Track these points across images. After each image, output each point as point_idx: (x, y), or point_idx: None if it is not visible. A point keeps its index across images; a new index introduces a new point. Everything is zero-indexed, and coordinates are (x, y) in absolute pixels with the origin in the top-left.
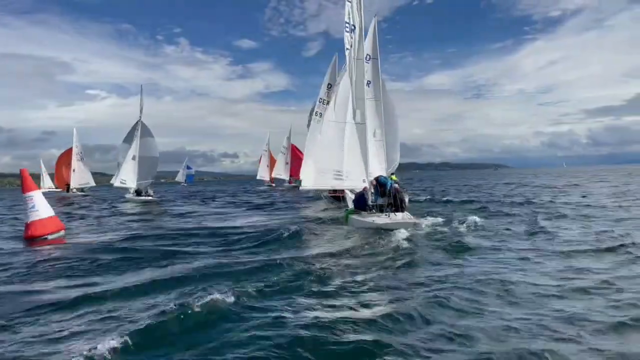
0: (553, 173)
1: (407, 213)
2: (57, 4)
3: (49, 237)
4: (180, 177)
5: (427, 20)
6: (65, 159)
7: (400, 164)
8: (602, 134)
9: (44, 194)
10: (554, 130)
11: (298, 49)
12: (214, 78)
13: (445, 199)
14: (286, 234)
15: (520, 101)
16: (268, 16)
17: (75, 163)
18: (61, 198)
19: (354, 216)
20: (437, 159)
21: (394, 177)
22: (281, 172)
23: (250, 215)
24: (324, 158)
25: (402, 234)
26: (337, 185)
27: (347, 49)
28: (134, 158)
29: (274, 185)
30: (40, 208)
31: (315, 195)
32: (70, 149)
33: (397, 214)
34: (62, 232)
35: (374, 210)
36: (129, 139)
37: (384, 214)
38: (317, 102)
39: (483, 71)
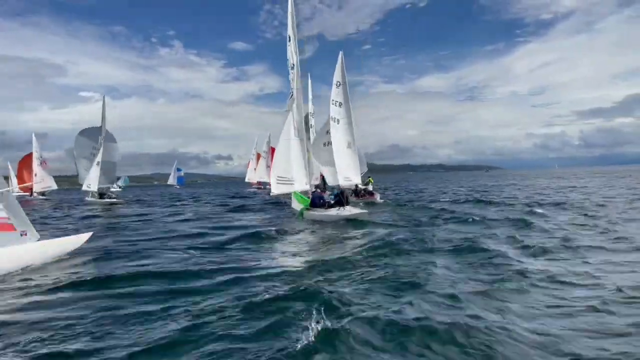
0: (546, 175)
1: (351, 207)
2: (49, 5)
3: None
4: (172, 180)
5: (420, 22)
6: (25, 164)
7: (394, 166)
8: (593, 135)
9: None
10: (546, 132)
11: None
12: (208, 80)
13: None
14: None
15: (513, 103)
16: (262, 19)
17: (36, 168)
18: (24, 202)
19: (312, 211)
20: (430, 160)
21: (371, 179)
22: (263, 175)
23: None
24: (279, 168)
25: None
26: (287, 189)
27: (291, 79)
28: (98, 164)
29: (261, 187)
30: None
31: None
32: (31, 154)
33: (344, 208)
34: None
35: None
36: (87, 133)
37: (335, 209)
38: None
39: (475, 73)
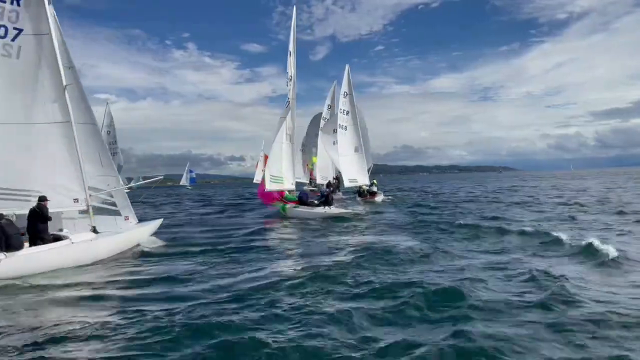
0: (558, 176)
1: (334, 207)
2: (68, 10)
3: None
4: (184, 181)
5: (433, 23)
6: None
7: (406, 167)
8: (609, 136)
9: None
10: (561, 133)
11: (305, 52)
12: (222, 82)
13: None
14: None
15: (527, 104)
16: (276, 20)
17: None
18: None
19: (300, 209)
20: (443, 161)
21: (375, 182)
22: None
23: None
24: (273, 167)
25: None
26: (278, 187)
27: (289, 90)
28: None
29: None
30: None
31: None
32: None
33: (330, 207)
34: None
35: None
36: None
37: (320, 207)
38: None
39: (490, 74)
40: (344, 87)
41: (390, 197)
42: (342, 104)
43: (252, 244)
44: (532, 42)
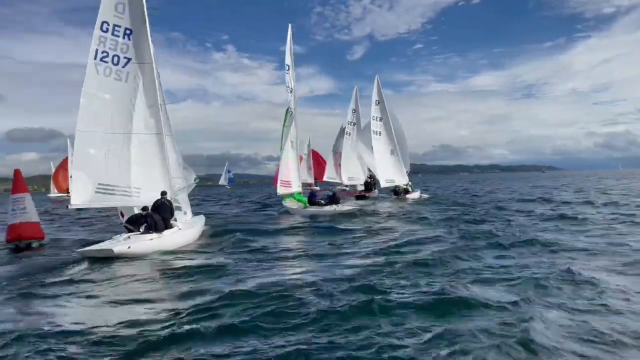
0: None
1: (341, 205)
2: None
3: (35, 242)
4: (223, 181)
5: (473, 20)
6: (62, 166)
7: (446, 166)
8: None
9: (54, 197)
10: (609, 131)
11: (343, 52)
12: (260, 83)
13: None
14: None
15: (573, 101)
16: (314, 21)
17: (71, 170)
18: (64, 201)
19: (310, 208)
20: (484, 160)
21: (410, 184)
22: (305, 176)
23: None
24: (283, 173)
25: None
26: (286, 190)
27: (290, 101)
28: None
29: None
30: (30, 211)
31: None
32: (66, 158)
33: (338, 205)
34: (43, 241)
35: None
36: None
37: (329, 206)
38: (346, 124)
39: (533, 70)
40: (375, 96)
41: (427, 195)
42: (374, 111)
43: (284, 245)
44: (578, 38)
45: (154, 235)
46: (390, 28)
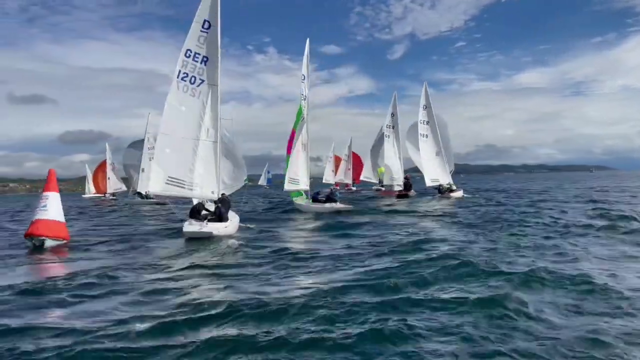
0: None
1: (339, 203)
2: (161, 20)
3: (48, 241)
4: (262, 181)
5: (518, 16)
6: (100, 169)
7: (490, 166)
8: None
9: (88, 198)
10: None
11: (383, 52)
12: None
13: None
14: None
15: (625, 97)
16: (354, 21)
17: (109, 172)
18: (99, 201)
19: (313, 205)
20: (530, 160)
21: (452, 182)
22: (343, 177)
23: None
24: (292, 170)
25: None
26: (294, 187)
27: (303, 107)
28: (142, 170)
29: (337, 188)
30: (51, 209)
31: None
32: (105, 161)
33: (335, 204)
34: (63, 242)
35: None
36: (136, 146)
37: (327, 203)
38: (385, 127)
39: (581, 67)
40: (423, 101)
41: (469, 194)
42: (422, 115)
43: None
44: (629, 32)
45: (228, 223)
46: (432, 26)
